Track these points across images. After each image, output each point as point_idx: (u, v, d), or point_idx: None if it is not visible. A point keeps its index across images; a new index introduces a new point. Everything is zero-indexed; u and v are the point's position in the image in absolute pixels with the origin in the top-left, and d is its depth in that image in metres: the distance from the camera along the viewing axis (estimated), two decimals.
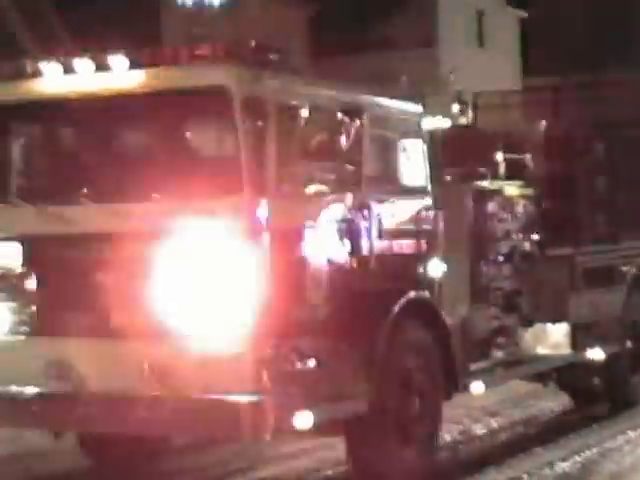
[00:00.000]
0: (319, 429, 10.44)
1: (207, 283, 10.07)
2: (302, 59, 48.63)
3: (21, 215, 11.00)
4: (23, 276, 10.89)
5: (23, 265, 10.90)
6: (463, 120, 13.47)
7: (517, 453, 12.61)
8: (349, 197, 11.09)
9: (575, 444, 13.33)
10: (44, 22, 43.72)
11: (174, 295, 10.18)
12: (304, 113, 10.40)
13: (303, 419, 9.97)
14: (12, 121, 11.27)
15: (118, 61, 10.37)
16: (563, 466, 12.18)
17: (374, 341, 10.86)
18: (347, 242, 11.11)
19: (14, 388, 10.75)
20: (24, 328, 10.91)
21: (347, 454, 11.29)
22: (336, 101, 10.96)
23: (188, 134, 10.87)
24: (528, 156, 14.09)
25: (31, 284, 10.85)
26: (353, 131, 10.89)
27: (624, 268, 15.18)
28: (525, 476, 11.78)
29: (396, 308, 11.19)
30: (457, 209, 12.85)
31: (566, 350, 14.13)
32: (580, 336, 14.18)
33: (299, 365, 10.24)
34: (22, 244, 10.87)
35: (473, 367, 12.71)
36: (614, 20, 56.43)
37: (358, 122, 10.93)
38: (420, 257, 12.13)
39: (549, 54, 51.91)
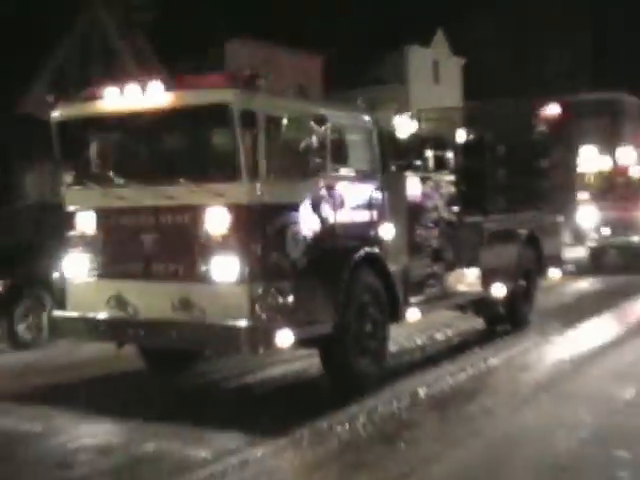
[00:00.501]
0: (299, 345, 10.28)
1: (218, 243, 10.00)
2: (319, 91, 48.92)
3: (93, 194, 10.97)
4: (95, 236, 10.93)
5: (95, 229, 10.93)
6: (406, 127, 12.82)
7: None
8: (319, 182, 10.79)
9: (484, 353, 12.86)
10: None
11: (195, 251, 10.15)
12: (285, 122, 10.19)
13: (286, 338, 9.77)
14: (86, 130, 11.21)
15: (156, 86, 10.22)
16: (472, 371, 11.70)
17: (337, 283, 10.59)
18: (318, 214, 10.84)
19: (90, 313, 10.78)
20: (95, 271, 10.92)
21: (321, 362, 10.99)
22: (307, 113, 10.59)
23: (204, 138, 10.62)
24: (450, 154, 13.64)
25: (100, 241, 10.90)
26: (320, 134, 10.54)
27: (518, 231, 14.88)
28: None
29: (354, 259, 10.93)
30: (399, 190, 12.46)
31: (478, 288, 13.83)
32: (487, 277, 13.86)
33: (281, 300, 10.04)
34: (95, 214, 10.91)
35: (413, 300, 12.36)
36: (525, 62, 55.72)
37: (323, 128, 10.55)
38: (372, 224, 11.76)
39: (480, 86, 51.45)
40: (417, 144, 13.24)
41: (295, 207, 10.48)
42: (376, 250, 11.45)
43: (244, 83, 9.84)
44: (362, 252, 11.10)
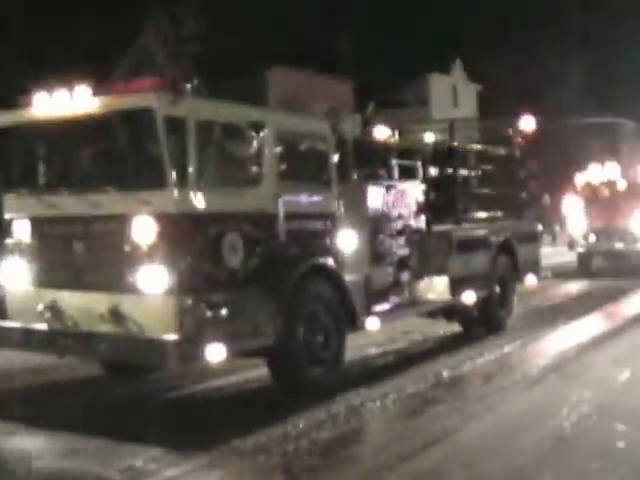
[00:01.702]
0: (242, 356, 8.88)
1: (145, 253, 8.15)
2: (349, 113, 46.98)
3: (28, 202, 9.10)
4: (30, 245, 9.08)
5: (30, 237, 9.09)
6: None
7: (390, 373, 10.29)
8: (263, 190, 8.94)
9: (458, 357, 11.30)
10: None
11: (123, 261, 8.30)
12: (219, 128, 8.40)
13: (217, 352, 7.99)
14: (19, 137, 9.21)
15: (83, 91, 8.47)
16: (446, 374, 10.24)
17: (280, 294, 8.78)
18: (262, 223, 8.96)
19: (25, 323, 8.93)
20: (31, 281, 9.05)
21: (270, 372, 9.22)
22: (243, 118, 8.72)
23: (131, 144, 8.54)
24: (419, 162, 11.59)
25: (35, 250, 9.05)
26: (257, 141, 8.70)
27: (491, 239, 12.77)
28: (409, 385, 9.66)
29: (300, 269, 9.08)
30: (360, 199, 10.55)
31: (447, 296, 11.76)
32: (456, 285, 11.80)
33: (214, 312, 8.19)
34: (29, 222, 9.07)
35: (376, 309, 10.46)
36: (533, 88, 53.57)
37: (261, 134, 8.74)
38: (326, 233, 9.80)
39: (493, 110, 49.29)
40: (384, 153, 11.26)
41: (233, 216, 8.64)
42: (328, 259, 9.55)
43: (169, 87, 8.04)
44: (310, 262, 9.27)
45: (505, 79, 54.11)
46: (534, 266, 14.04)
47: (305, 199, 9.48)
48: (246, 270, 8.62)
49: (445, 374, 10.14)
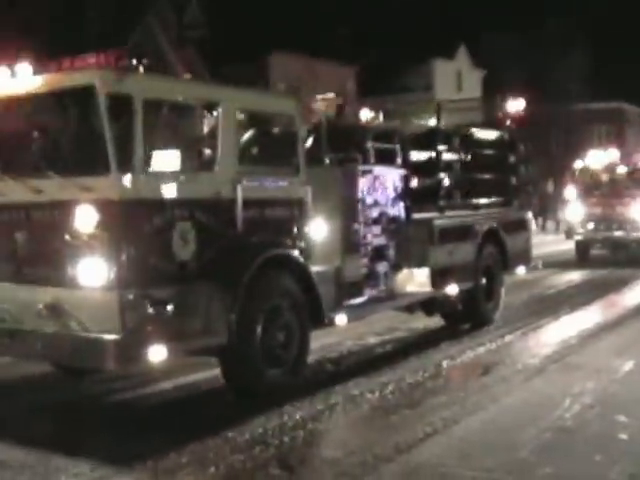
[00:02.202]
0: (193, 354, 8.18)
1: (86, 244, 7.30)
2: (353, 98, 46.16)
3: None
4: None
5: None
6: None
7: (390, 363, 9.96)
8: (220, 175, 8.10)
9: (459, 347, 10.85)
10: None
11: (63, 252, 7.46)
12: (169, 107, 7.63)
13: (160, 352, 7.21)
14: None
15: (24, 69, 7.72)
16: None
17: (234, 288, 7.93)
18: (217, 211, 8.11)
19: None
20: None
21: (221, 373, 8.38)
22: (196, 96, 7.91)
23: (74, 125, 7.84)
24: (398, 146, 10.68)
25: None
26: (212, 120, 7.94)
27: (476, 227, 11.87)
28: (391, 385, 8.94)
29: (258, 261, 8.20)
30: (331, 185, 9.68)
31: (427, 288, 10.87)
32: (438, 277, 10.93)
33: (159, 309, 7.35)
34: None
35: (348, 302, 9.63)
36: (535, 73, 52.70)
37: (216, 113, 7.94)
38: (291, 221, 8.95)
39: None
40: (360, 136, 10.38)
41: (185, 203, 7.79)
42: (293, 250, 8.77)
43: (113, 63, 7.36)
44: (271, 252, 8.45)
45: (510, 64, 53.21)
46: (524, 256, 13.17)
47: (268, 184, 8.65)
48: (199, 262, 7.81)
49: (445, 364, 9.80)
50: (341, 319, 9.21)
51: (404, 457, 6.54)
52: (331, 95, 10.42)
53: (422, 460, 6.49)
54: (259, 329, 8.16)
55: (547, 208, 35.50)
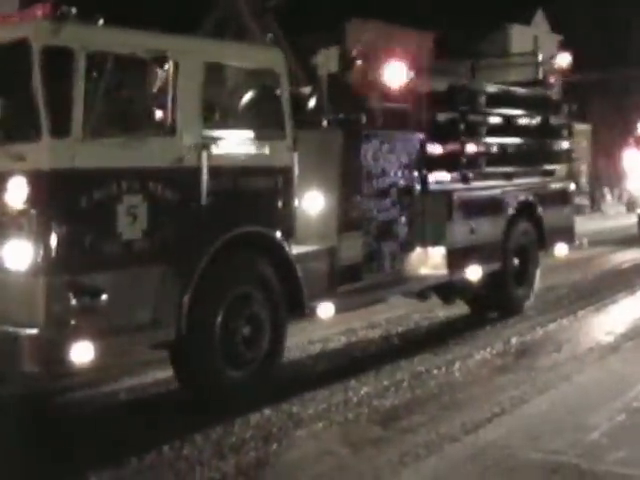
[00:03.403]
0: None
1: (11, 221, 6.11)
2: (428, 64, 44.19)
3: None
4: None
5: None
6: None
7: (457, 338, 9.34)
8: (181, 138, 6.70)
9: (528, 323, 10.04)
10: None
11: None
12: (115, 60, 6.19)
13: (83, 351, 5.88)
14: None
15: None
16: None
17: (187, 274, 6.57)
18: (171, 182, 6.66)
19: None
20: None
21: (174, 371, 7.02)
22: (151, 48, 6.44)
23: (9, 85, 6.46)
24: (409, 105, 9.06)
25: None
26: (171, 77, 6.53)
27: (506, 200, 10.19)
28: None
29: (220, 241, 6.77)
30: (330, 150, 8.17)
31: (443, 270, 9.25)
32: (456, 258, 9.32)
33: (88, 299, 6.01)
34: None
35: (342, 289, 8.10)
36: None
37: (177, 68, 6.58)
38: (272, 192, 7.48)
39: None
40: (367, 95, 8.78)
41: (135, 173, 6.44)
42: (268, 228, 7.30)
43: (49, 13, 5.99)
44: (238, 230, 7.01)
45: (587, 28, 50.60)
46: (565, 233, 11.37)
47: (243, 150, 7.19)
48: (150, 243, 6.47)
49: (514, 340, 9.11)
50: (326, 310, 7.73)
51: (470, 437, 6.16)
52: (335, 47, 8.82)
53: (489, 440, 6.08)
54: (218, 322, 6.79)
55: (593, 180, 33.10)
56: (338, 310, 7.96)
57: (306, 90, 8.50)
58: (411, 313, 10.25)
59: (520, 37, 54.17)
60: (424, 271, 9.23)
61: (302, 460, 5.83)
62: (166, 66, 6.40)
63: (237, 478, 5.51)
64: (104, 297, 6.07)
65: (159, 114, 6.49)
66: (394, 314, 10.04)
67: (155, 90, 6.40)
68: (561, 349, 8.73)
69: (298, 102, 8.28)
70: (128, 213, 6.32)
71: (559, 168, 11.34)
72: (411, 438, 6.14)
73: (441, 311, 10.37)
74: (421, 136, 9.16)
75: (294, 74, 8.30)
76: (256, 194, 7.28)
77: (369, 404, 6.98)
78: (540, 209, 10.68)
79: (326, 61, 8.57)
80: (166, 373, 7.38)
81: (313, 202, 8.04)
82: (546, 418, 6.61)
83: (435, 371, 7.96)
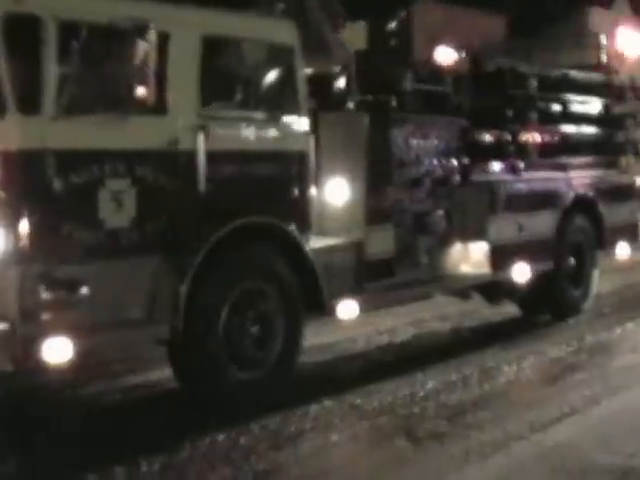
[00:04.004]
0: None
1: None
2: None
3: None
4: None
5: None
6: None
7: (529, 334, 8.88)
8: (174, 117, 5.99)
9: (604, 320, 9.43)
10: None
11: None
12: (92, 29, 5.49)
13: (59, 349, 5.23)
14: None
15: None
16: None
17: (185, 268, 5.83)
18: (164, 165, 5.97)
19: None
20: None
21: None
22: (127, 18, 5.63)
23: None
24: (448, 88, 8.20)
25: None
26: (163, 50, 5.84)
27: (561, 193, 9.20)
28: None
29: (220, 232, 6.01)
30: (356, 135, 7.33)
31: (485, 269, 8.32)
32: (500, 255, 8.38)
33: (66, 292, 5.37)
34: None
35: (370, 286, 7.27)
36: None
37: (167, 42, 5.89)
38: (285, 180, 6.73)
39: None
40: (401, 75, 7.90)
41: (121, 155, 5.73)
42: (281, 218, 6.48)
43: None
44: (241, 221, 6.19)
45: None
46: (628, 231, 10.28)
47: (249, 132, 6.44)
48: (140, 232, 5.79)
49: (589, 338, 8.60)
50: (349, 309, 6.92)
51: (538, 436, 5.85)
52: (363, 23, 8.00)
53: (557, 441, 5.77)
54: (222, 319, 6.07)
55: None
56: (363, 309, 7.17)
57: (336, 68, 7.75)
58: (482, 307, 9.61)
59: (599, 20, 52.28)
60: (464, 269, 8.33)
61: (362, 453, 5.64)
62: (152, 37, 5.66)
63: (293, 469, 5.27)
64: (84, 290, 5.42)
65: (147, 91, 5.75)
66: (465, 307, 9.53)
67: (140, 64, 5.63)
68: (637, 349, 8.19)
69: (326, 81, 7.58)
70: (112, 199, 5.64)
71: (623, 160, 10.25)
72: (477, 435, 5.87)
73: (512, 306, 9.62)
74: (463, 122, 8.27)
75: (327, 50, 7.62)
76: (265, 181, 6.52)
77: (435, 398, 6.71)
78: (600, 204, 9.65)
79: (353, 37, 7.75)
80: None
81: (339, 191, 7.27)
82: (618, 420, 6.25)
83: (505, 367, 7.58)
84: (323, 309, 6.72)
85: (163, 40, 5.85)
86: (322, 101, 7.42)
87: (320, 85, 7.51)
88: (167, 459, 5.34)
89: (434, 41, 8.73)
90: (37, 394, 6.89)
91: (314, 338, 7.82)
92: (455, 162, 8.19)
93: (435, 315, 9.13)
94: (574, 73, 9.56)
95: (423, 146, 7.89)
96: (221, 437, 5.70)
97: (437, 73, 8.16)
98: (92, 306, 5.46)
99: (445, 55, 8.75)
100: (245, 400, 6.21)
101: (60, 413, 6.48)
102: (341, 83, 7.68)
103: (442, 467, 5.26)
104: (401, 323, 8.96)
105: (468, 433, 5.91)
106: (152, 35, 5.66)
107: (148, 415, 6.38)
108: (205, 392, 6.16)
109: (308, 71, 7.91)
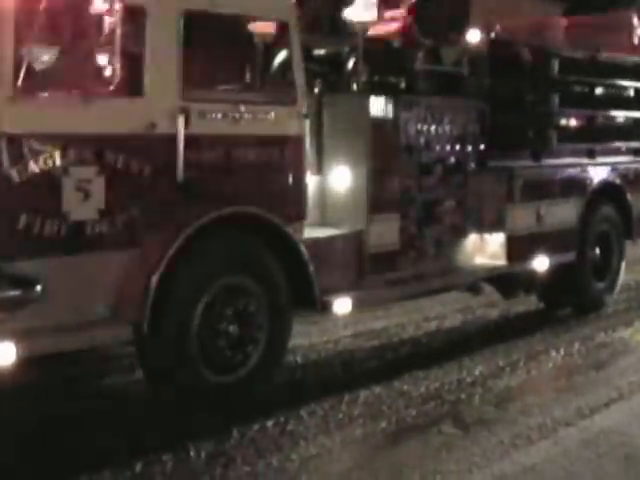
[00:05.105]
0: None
1: None
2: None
3: None
4: None
5: None
6: None
7: (578, 320, 8.47)
8: (151, 99, 5.31)
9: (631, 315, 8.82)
10: None
11: None
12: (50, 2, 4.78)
13: (5, 353, 4.58)
14: None
15: None
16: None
17: (154, 264, 5.18)
18: (138, 151, 5.29)
19: None
20: None
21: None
22: None
23: None
24: (465, 69, 7.44)
25: None
26: (124, 25, 5.09)
27: (585, 181, 8.37)
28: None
29: (197, 225, 5.36)
30: (359, 119, 6.64)
31: (501, 261, 7.58)
32: (518, 246, 7.63)
33: (18, 291, 4.76)
34: None
35: (371, 280, 6.62)
36: None
37: (123, 15, 5.10)
38: (276, 167, 6.00)
39: None
40: (408, 56, 7.19)
41: (87, 141, 5.06)
42: (268, 208, 5.76)
43: None
44: (220, 212, 5.52)
45: None
46: None
47: (236, 116, 5.73)
48: (110, 224, 5.16)
49: (637, 324, 8.28)
50: (344, 305, 6.20)
51: (585, 422, 5.74)
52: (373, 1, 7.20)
53: (604, 427, 5.65)
54: (195, 319, 5.41)
55: None
56: (362, 305, 6.57)
57: (345, 49, 7.04)
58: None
59: None
60: (478, 261, 7.59)
61: (409, 439, 5.40)
62: (125, 12, 4.99)
63: (342, 454, 5.14)
64: (38, 288, 4.81)
65: (119, 71, 5.08)
66: None
67: (111, 41, 5.01)
68: None
69: (334, 62, 6.90)
70: (77, 188, 5.00)
71: None
72: (524, 420, 5.74)
73: None
74: (480, 104, 7.47)
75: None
76: (254, 168, 5.85)
77: (483, 384, 6.53)
78: (628, 193, 8.79)
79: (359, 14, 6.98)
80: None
81: (341, 178, 6.57)
82: None
83: (553, 352, 7.34)
84: (315, 306, 6.01)
85: (138, 15, 5.17)
86: (330, 83, 6.80)
87: (330, 66, 6.94)
88: (215, 446, 5.12)
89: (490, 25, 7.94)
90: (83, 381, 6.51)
91: (362, 325, 7.87)
92: (471, 148, 7.39)
93: (483, 302, 8.71)
94: (602, 55, 8.65)
95: (435, 130, 7.14)
96: (269, 423, 5.48)
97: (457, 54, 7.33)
98: (48, 306, 4.85)
99: (473, 36, 7.98)
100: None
101: (105, 401, 6.07)
102: (351, 63, 6.97)
103: (489, 453, 5.14)
104: (450, 310, 8.70)
105: (515, 419, 5.81)
106: (125, 9, 4.98)
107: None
108: (174, 395, 5.51)
109: (320, 52, 7.30)
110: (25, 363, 4.90)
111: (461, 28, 7.66)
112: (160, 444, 5.07)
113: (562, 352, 7.36)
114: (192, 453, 5.01)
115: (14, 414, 5.63)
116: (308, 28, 6.70)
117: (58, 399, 6.02)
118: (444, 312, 8.63)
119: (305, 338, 7.43)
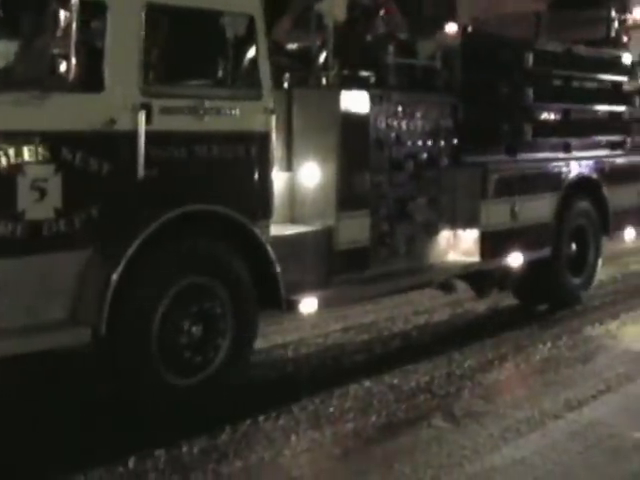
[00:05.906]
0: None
1: None
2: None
3: None
4: None
5: None
6: None
7: (565, 313, 8.36)
8: (111, 94, 5.08)
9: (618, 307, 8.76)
10: None
11: None
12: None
13: None
14: None
15: None
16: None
17: (112, 264, 4.96)
18: (96, 148, 5.06)
19: None
20: None
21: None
22: None
23: None
24: (438, 63, 7.19)
25: None
26: (81, 18, 4.80)
27: (560, 175, 8.17)
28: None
29: (157, 224, 5.13)
30: (328, 113, 6.43)
31: (474, 257, 7.38)
32: (491, 242, 7.43)
33: None
34: None
35: (340, 278, 6.40)
36: None
37: (82, 7, 4.79)
38: (241, 164, 5.77)
39: None
40: (379, 49, 7.00)
41: (44, 138, 4.82)
42: (229, 207, 5.55)
43: None
44: (181, 210, 5.29)
45: None
46: (636, 215, 9.23)
47: (200, 111, 5.50)
48: (67, 224, 4.92)
49: (624, 317, 8.25)
50: (310, 305, 6.01)
51: (573, 415, 5.76)
52: None
53: (592, 419, 5.67)
54: (155, 321, 5.18)
55: None
56: (330, 304, 6.36)
57: (317, 43, 6.84)
58: None
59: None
60: (451, 258, 7.39)
61: (400, 432, 5.37)
62: (79, 4, 4.75)
63: (333, 449, 5.11)
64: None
65: (76, 65, 4.85)
66: None
67: (67, 35, 4.77)
68: None
69: (305, 56, 6.71)
70: (33, 187, 4.77)
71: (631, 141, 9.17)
72: (513, 413, 5.74)
73: None
74: (453, 98, 7.27)
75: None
76: (218, 165, 5.62)
77: (472, 377, 6.51)
78: (604, 187, 8.61)
79: (331, 8, 6.77)
80: (268, 342, 6.97)
81: (310, 174, 6.37)
82: None
83: (540, 345, 7.29)
84: (280, 305, 5.81)
85: (98, 8, 4.94)
86: (300, 77, 6.62)
87: (300, 60, 6.75)
88: (207, 441, 5.09)
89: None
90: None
91: (352, 319, 7.85)
92: (443, 143, 7.19)
93: (472, 296, 8.55)
94: (578, 48, 8.46)
95: (406, 125, 6.91)
96: (261, 418, 5.44)
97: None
98: (1, 308, 4.64)
99: (451, 29, 7.82)
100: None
101: (100, 396, 5.83)
102: (322, 57, 6.77)
103: (479, 446, 5.13)
104: (438, 304, 8.61)
105: (504, 412, 5.79)
106: (85, 2, 4.76)
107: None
108: (134, 396, 5.31)
109: (291, 46, 7.11)
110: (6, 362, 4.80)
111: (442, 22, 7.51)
112: (153, 440, 4.99)
113: (549, 345, 7.32)
114: (185, 448, 4.96)
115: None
116: (278, 22, 6.54)
117: (47, 395, 5.88)
118: (433, 306, 8.58)
119: (295, 333, 7.37)
